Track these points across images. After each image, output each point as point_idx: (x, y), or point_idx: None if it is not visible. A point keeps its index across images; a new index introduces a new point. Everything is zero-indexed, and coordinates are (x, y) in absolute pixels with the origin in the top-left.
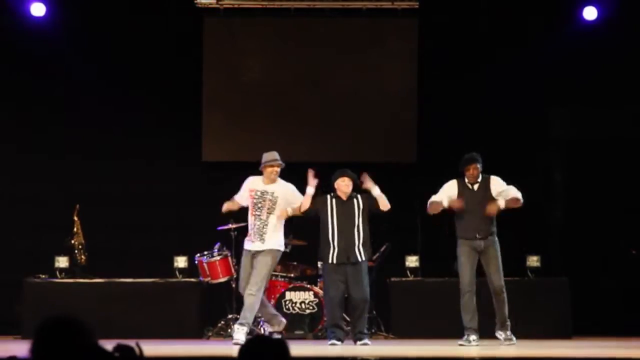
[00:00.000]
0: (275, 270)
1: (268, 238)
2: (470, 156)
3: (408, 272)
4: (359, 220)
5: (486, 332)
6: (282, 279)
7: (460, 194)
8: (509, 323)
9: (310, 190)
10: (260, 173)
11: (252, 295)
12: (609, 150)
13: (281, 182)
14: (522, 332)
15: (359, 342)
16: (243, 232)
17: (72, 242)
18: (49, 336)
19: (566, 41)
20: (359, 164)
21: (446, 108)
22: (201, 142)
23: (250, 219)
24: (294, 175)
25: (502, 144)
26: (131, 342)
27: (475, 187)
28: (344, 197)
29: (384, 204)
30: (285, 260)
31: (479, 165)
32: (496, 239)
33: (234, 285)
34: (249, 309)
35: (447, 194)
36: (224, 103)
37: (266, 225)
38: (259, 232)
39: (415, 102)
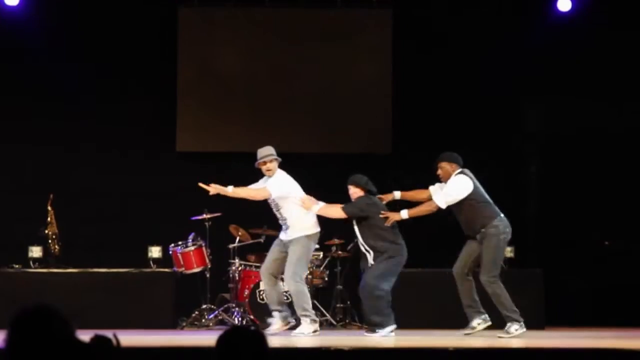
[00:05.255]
0: (249, 261)
1: (292, 228)
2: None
3: None
4: (359, 225)
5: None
6: (257, 269)
7: None
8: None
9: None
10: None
11: (291, 285)
12: (584, 142)
13: (274, 177)
14: (495, 322)
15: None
16: (217, 222)
17: (46, 232)
18: (26, 326)
19: (541, 32)
20: (334, 155)
21: (421, 99)
22: (175, 132)
23: None
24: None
25: (477, 136)
26: (108, 333)
27: None
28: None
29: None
30: (259, 250)
31: (442, 164)
32: (491, 231)
33: (208, 276)
34: (295, 297)
35: None
36: (198, 93)
37: (284, 220)
38: (282, 227)
39: (391, 93)
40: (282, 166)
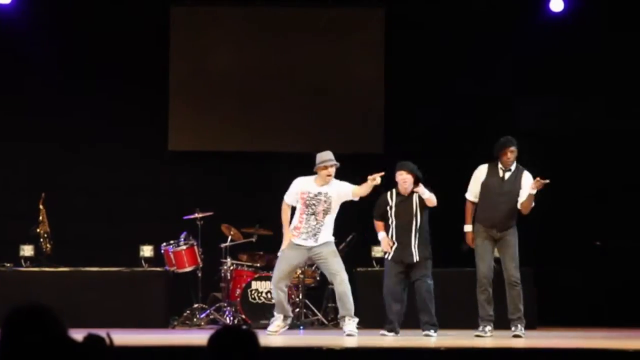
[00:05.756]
0: (241, 260)
1: (321, 236)
2: (506, 139)
3: (374, 262)
4: (417, 218)
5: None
6: (248, 269)
7: (486, 182)
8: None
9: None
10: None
11: (347, 284)
12: (578, 142)
13: (334, 182)
14: (496, 322)
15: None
16: (209, 221)
17: (38, 230)
18: (19, 325)
19: (533, 33)
20: None
21: (414, 98)
22: (167, 131)
23: (303, 217)
24: (258, 164)
25: (470, 135)
26: (101, 332)
27: (507, 175)
28: (404, 193)
29: (431, 202)
30: (251, 250)
31: (514, 149)
32: (515, 229)
33: (199, 275)
34: (347, 299)
35: (478, 180)
36: (190, 92)
37: (322, 225)
38: (312, 232)
39: (383, 92)
40: (274, 166)
